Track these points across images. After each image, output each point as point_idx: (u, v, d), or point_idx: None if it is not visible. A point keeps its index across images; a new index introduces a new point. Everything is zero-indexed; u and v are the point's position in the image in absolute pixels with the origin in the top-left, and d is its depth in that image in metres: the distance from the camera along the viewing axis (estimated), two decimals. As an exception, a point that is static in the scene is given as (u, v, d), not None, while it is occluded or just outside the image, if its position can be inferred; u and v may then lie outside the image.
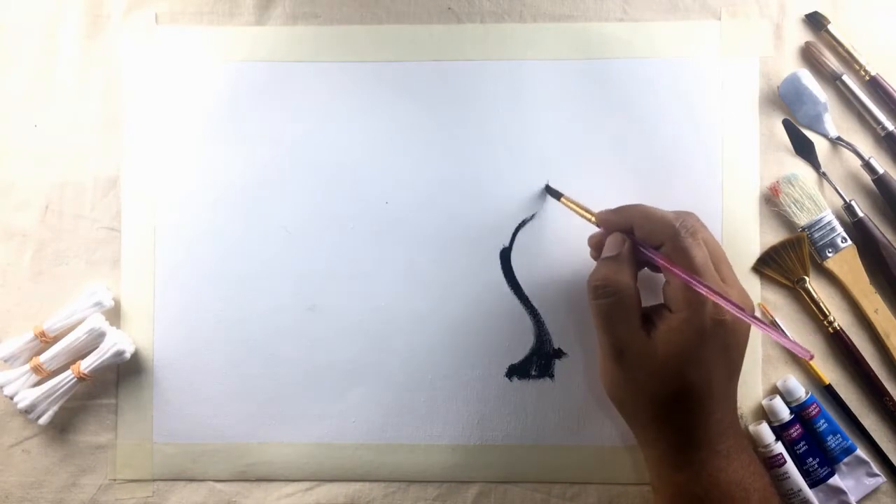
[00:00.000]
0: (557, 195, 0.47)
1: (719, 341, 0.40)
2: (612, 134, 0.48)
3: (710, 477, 0.40)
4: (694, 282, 0.39)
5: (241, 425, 0.48)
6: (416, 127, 0.49)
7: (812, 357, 0.37)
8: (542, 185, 0.48)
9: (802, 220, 0.47)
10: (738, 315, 0.38)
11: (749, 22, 0.48)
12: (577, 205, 0.46)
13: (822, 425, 0.46)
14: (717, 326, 0.39)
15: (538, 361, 0.48)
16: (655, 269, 0.43)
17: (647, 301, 0.42)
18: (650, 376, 0.40)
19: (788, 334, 0.46)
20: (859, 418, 0.47)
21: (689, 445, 0.40)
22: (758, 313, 0.47)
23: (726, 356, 0.40)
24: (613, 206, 0.44)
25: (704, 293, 0.39)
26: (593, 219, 0.44)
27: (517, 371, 0.48)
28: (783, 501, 0.45)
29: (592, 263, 0.43)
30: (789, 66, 0.48)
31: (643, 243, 0.42)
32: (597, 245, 0.44)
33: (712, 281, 0.40)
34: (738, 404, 0.44)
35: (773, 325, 0.38)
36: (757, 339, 0.47)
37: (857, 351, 0.47)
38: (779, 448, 0.46)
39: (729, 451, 0.40)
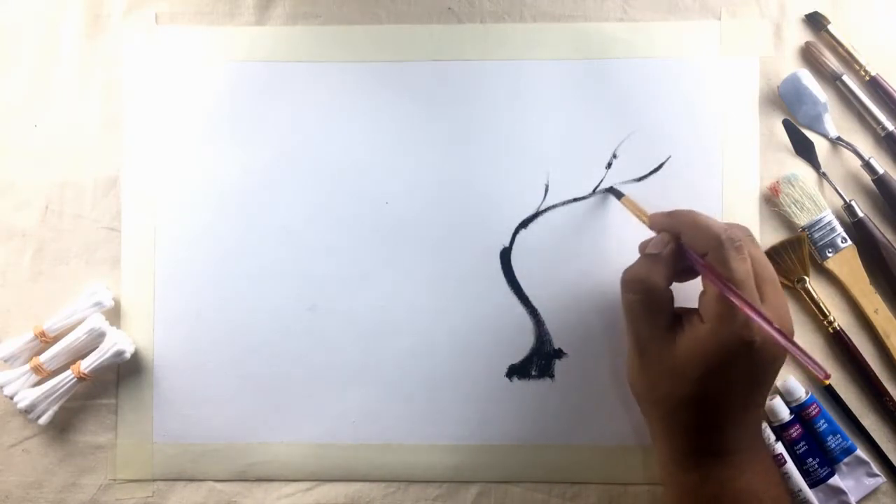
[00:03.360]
0: (619, 195, 0.47)
1: (743, 361, 0.38)
2: (612, 134, 0.48)
3: (719, 483, 0.40)
4: (729, 292, 0.38)
5: (241, 425, 0.48)
6: (416, 127, 0.49)
7: (829, 377, 0.36)
8: (605, 188, 0.48)
9: (802, 220, 0.47)
10: (766, 329, 0.37)
11: (749, 22, 0.48)
12: (635, 206, 0.45)
13: (822, 425, 0.46)
14: (743, 346, 0.38)
15: (538, 361, 0.48)
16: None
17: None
18: (666, 376, 0.40)
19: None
20: (859, 418, 0.47)
21: (697, 450, 0.40)
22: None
23: (750, 377, 0.39)
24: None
25: (737, 305, 0.37)
26: (646, 220, 0.44)
27: (517, 371, 0.48)
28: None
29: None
30: (789, 66, 0.48)
31: (688, 249, 0.41)
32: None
33: (750, 298, 0.38)
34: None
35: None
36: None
37: (857, 351, 0.47)
38: (779, 448, 0.46)
39: (741, 462, 0.40)
